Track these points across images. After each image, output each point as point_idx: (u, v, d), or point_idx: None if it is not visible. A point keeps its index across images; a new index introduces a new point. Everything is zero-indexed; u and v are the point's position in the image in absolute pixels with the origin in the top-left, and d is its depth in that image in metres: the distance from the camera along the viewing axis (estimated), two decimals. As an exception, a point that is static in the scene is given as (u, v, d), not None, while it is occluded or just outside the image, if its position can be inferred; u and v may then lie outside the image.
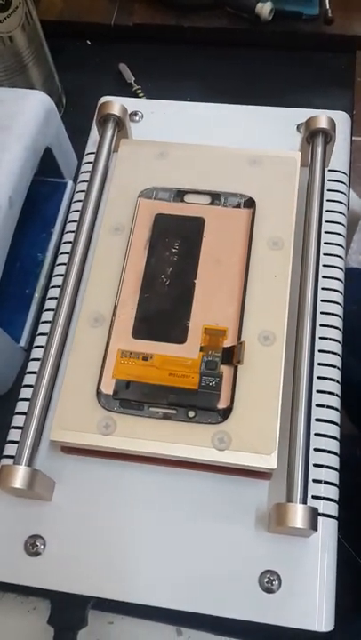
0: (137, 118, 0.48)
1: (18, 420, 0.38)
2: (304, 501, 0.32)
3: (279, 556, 0.34)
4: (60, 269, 0.43)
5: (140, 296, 0.38)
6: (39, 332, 0.41)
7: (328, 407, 0.37)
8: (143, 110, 0.49)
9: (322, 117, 0.42)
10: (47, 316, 0.42)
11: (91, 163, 0.44)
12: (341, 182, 0.44)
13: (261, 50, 0.61)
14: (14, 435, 0.38)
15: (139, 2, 0.62)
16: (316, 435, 0.36)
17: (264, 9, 0.57)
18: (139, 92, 0.60)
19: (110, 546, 0.34)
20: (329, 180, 0.43)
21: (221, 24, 0.60)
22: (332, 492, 0.35)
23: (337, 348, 0.39)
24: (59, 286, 0.41)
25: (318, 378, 0.37)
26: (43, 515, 0.35)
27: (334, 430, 0.37)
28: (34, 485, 0.33)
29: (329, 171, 0.44)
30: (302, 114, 0.45)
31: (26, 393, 0.39)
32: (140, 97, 0.59)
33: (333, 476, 0.36)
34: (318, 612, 0.33)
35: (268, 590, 0.33)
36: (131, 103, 0.47)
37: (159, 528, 0.35)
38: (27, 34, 0.50)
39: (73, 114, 0.58)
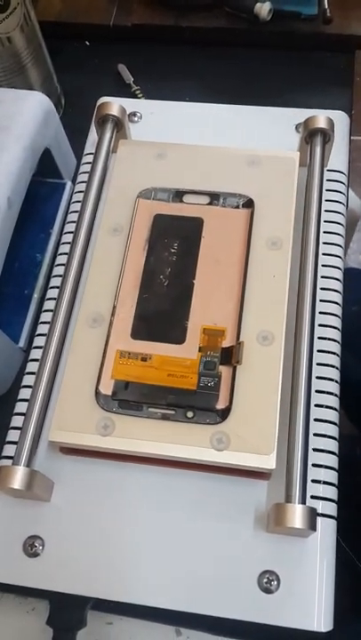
0: (136, 119, 0.48)
1: (17, 421, 0.38)
2: (303, 501, 0.32)
3: (278, 556, 0.33)
4: (58, 270, 0.43)
5: (139, 296, 0.38)
6: (38, 332, 0.41)
7: (327, 407, 0.37)
8: (142, 111, 0.49)
9: (321, 117, 0.42)
10: (46, 316, 0.42)
11: (89, 163, 0.44)
12: (340, 182, 0.44)
13: (260, 50, 0.61)
14: (13, 435, 0.38)
15: (137, 2, 0.62)
16: (315, 435, 0.36)
17: (263, 9, 0.57)
18: (137, 92, 0.60)
19: (109, 546, 0.34)
20: (328, 180, 0.43)
21: (220, 24, 0.60)
22: (331, 492, 0.35)
23: (336, 347, 0.39)
24: (57, 287, 0.41)
25: (317, 378, 0.37)
26: (41, 515, 0.35)
27: (333, 430, 0.37)
28: (32, 486, 0.33)
29: (328, 171, 0.44)
30: (301, 114, 0.45)
31: (25, 394, 0.39)
32: (139, 97, 0.59)
33: (332, 476, 0.35)
34: (317, 612, 0.32)
35: (267, 590, 0.33)
36: (129, 104, 0.47)
37: (158, 528, 0.35)
38: (25, 35, 0.50)
39: (72, 114, 0.58)
